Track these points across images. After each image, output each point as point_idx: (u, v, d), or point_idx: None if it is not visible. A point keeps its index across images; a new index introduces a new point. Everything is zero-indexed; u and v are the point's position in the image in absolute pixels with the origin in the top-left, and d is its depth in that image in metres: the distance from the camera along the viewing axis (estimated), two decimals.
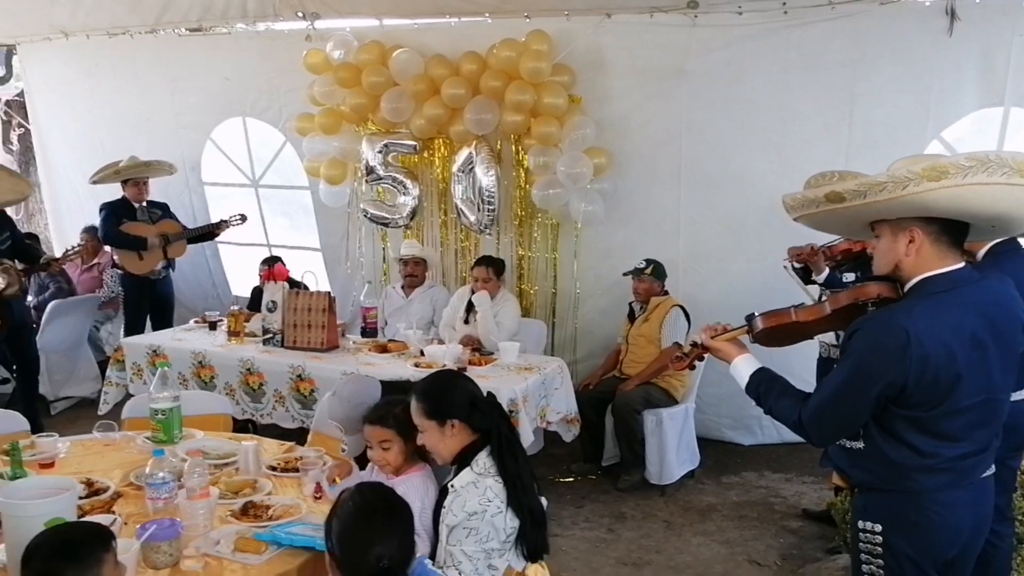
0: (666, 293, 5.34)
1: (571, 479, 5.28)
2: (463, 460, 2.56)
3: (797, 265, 4.53)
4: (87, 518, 2.48)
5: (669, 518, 4.81)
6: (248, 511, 2.71)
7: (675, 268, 5.51)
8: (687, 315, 5.19)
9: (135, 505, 2.77)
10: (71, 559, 1.89)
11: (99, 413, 5.41)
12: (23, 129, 9.29)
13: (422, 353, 4.94)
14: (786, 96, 5.23)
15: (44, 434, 3.26)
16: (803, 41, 5.10)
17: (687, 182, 5.52)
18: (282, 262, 5.87)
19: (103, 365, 6.86)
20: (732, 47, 5.22)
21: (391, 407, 2.74)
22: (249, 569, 2.37)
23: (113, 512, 2.65)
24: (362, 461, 2.99)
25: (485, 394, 2.64)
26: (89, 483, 2.84)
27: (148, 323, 6.70)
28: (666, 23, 5.24)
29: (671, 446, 5.05)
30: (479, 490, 2.44)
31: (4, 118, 9.27)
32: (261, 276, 5.86)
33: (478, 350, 5.05)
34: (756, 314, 2.41)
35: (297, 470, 3.04)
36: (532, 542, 2.53)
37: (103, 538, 2.00)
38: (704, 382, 5.36)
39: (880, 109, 5.12)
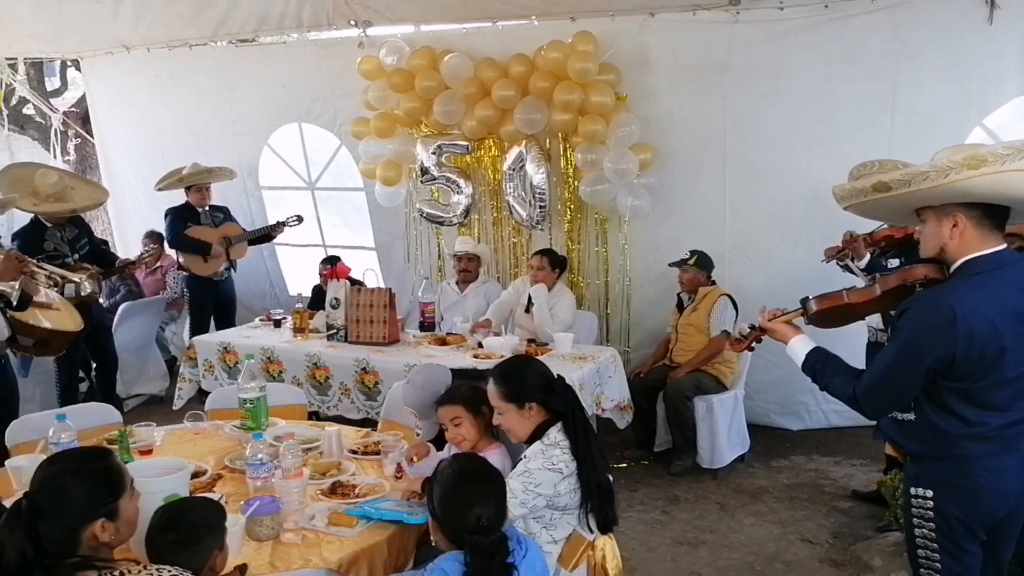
0: (713, 283, 5.49)
1: (624, 465, 5.46)
2: (535, 436, 2.77)
3: (838, 263, 4.64)
4: None
5: (722, 500, 4.97)
6: (336, 490, 2.95)
7: (721, 258, 5.65)
8: (735, 304, 5.34)
9: (232, 486, 3.02)
10: (210, 527, 2.12)
11: (174, 408, 5.74)
12: (79, 139, 9.65)
13: (480, 345, 5.15)
14: (828, 88, 5.34)
15: (142, 424, 3.52)
16: (844, 34, 5.22)
17: (732, 175, 5.67)
18: (342, 262, 6.13)
19: (169, 364, 7.21)
20: (774, 42, 5.35)
21: (457, 388, 2.97)
22: (344, 541, 2.60)
23: (214, 492, 2.90)
24: (437, 443, 3.20)
25: (556, 376, 2.83)
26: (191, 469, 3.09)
27: (212, 322, 7.00)
28: (708, 20, 5.39)
29: (722, 431, 5.21)
30: (546, 456, 2.65)
31: (61, 128, 9.61)
32: (322, 275, 6.12)
33: (533, 341, 5.25)
34: (810, 297, 2.58)
35: (377, 453, 3.28)
36: (602, 515, 2.73)
37: (222, 510, 2.24)
38: (752, 369, 5.50)
39: (922, 98, 5.22)
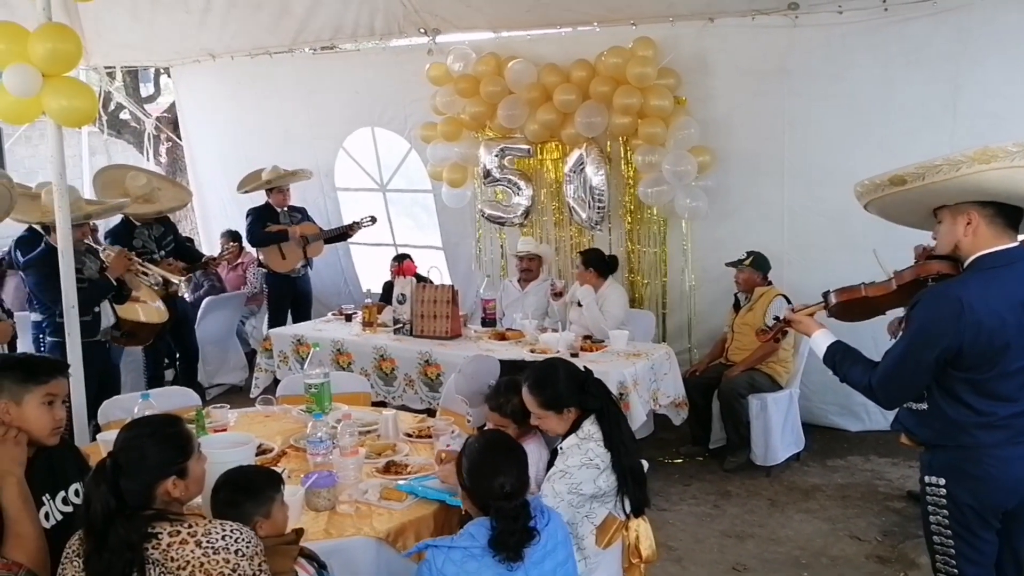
0: (769, 283, 5.56)
1: (679, 460, 5.57)
2: (570, 428, 2.94)
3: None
4: None
5: (773, 496, 5.05)
6: (390, 469, 3.18)
7: (779, 260, 5.72)
8: (790, 304, 5.39)
9: (296, 462, 3.28)
10: (250, 494, 2.36)
11: (251, 396, 6.07)
12: (171, 142, 10.18)
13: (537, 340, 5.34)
14: (888, 91, 5.35)
15: (217, 405, 3.82)
16: (904, 36, 5.22)
17: (790, 176, 5.73)
18: (410, 259, 6.40)
19: (248, 356, 7.59)
20: (833, 45, 5.39)
21: (510, 396, 3.05)
22: (393, 514, 2.82)
23: (278, 467, 3.17)
24: None
25: (583, 369, 2.99)
26: (257, 445, 3.36)
27: (289, 316, 7.36)
28: (767, 24, 5.47)
29: (776, 429, 5.28)
30: (582, 451, 2.81)
31: (154, 132, 10.14)
32: (392, 272, 6.40)
33: (589, 337, 5.41)
34: (831, 290, 2.71)
35: (430, 436, 3.51)
36: (634, 498, 2.89)
37: (274, 481, 2.47)
38: (810, 369, 5.54)
39: (985, 101, 5.18)
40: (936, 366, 2.42)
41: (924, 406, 2.51)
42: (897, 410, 2.66)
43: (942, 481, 2.49)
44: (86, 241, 5.33)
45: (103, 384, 5.00)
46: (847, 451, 5.71)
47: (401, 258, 6.51)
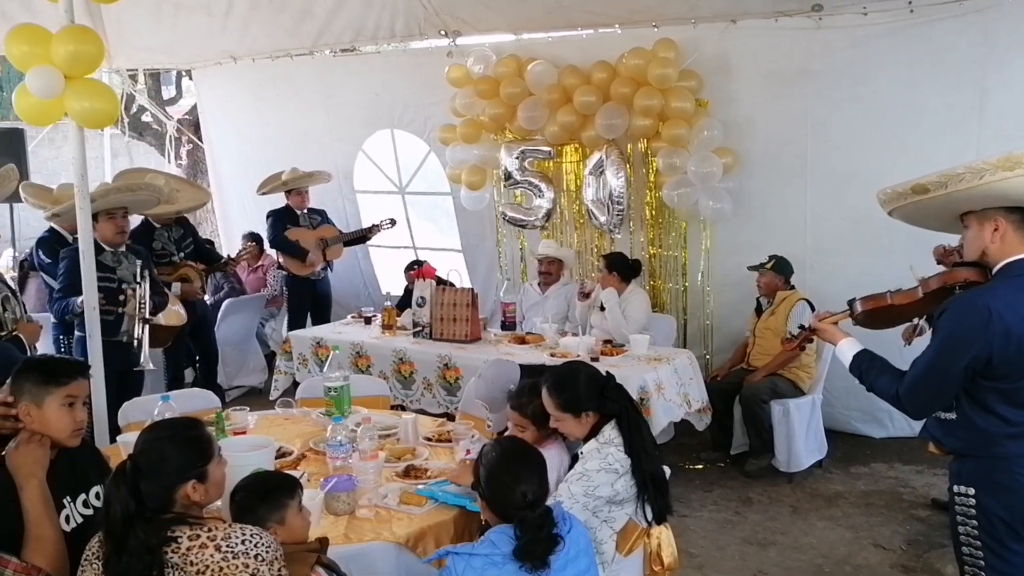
0: (791, 288, 5.51)
1: (701, 466, 5.53)
2: (590, 433, 2.91)
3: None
4: None
5: (795, 503, 4.99)
6: (409, 473, 3.16)
7: (802, 263, 5.67)
8: (813, 308, 5.33)
9: (315, 466, 3.27)
10: (263, 499, 2.34)
11: (270, 399, 6.07)
12: (192, 144, 10.24)
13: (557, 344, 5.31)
14: (913, 93, 5.30)
15: (236, 408, 3.81)
16: (930, 38, 5.16)
17: (813, 179, 5.68)
18: (422, 265, 6.39)
19: (268, 358, 7.61)
20: (857, 47, 5.34)
21: (533, 398, 3.02)
22: (412, 518, 2.80)
23: (298, 470, 3.15)
24: None
25: (604, 373, 2.96)
26: (277, 448, 3.35)
27: (308, 319, 7.36)
28: (791, 26, 5.42)
29: (798, 435, 5.22)
30: (601, 455, 2.78)
31: (176, 135, 10.19)
32: (410, 275, 6.39)
33: (610, 342, 5.37)
34: (856, 298, 2.66)
35: (450, 440, 3.49)
36: (656, 505, 2.85)
37: (290, 486, 2.44)
38: (833, 375, 5.48)
39: (1012, 103, 5.12)
40: (965, 375, 2.38)
41: (953, 415, 2.47)
42: (925, 419, 2.61)
43: (972, 491, 2.44)
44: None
45: (124, 384, 5.01)
46: (870, 458, 5.64)
47: (414, 264, 6.50)
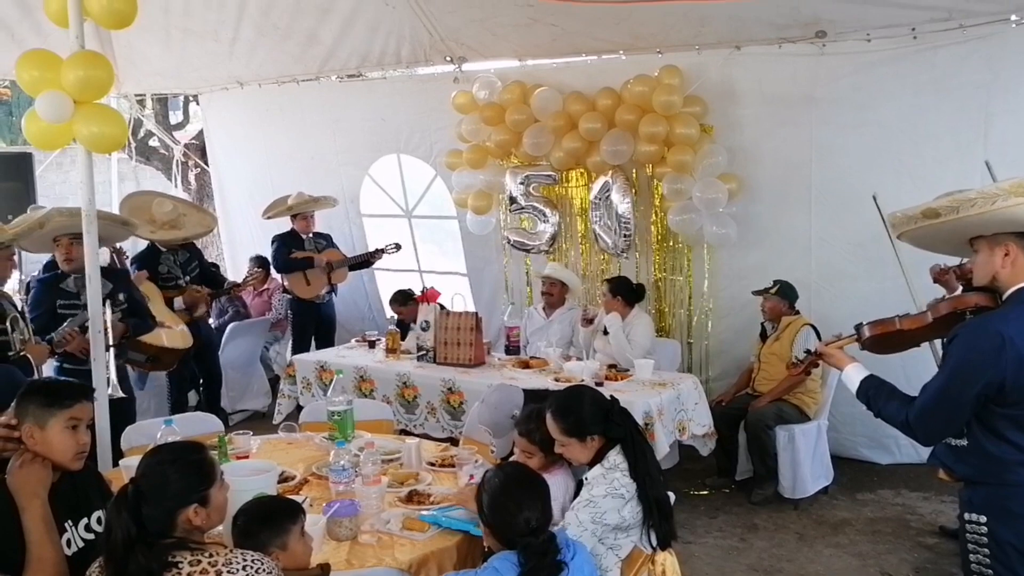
0: (796, 313, 5.50)
1: (705, 492, 5.48)
2: (595, 458, 2.89)
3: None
4: None
5: (801, 530, 4.95)
6: (412, 498, 3.15)
7: (807, 288, 5.66)
8: (818, 334, 5.32)
9: (318, 491, 3.25)
10: (265, 524, 2.33)
11: (274, 423, 6.05)
12: (199, 169, 10.29)
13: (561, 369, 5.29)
14: (917, 118, 5.31)
15: (239, 432, 3.80)
16: (934, 64, 5.18)
17: (818, 204, 5.69)
18: (415, 298, 6.39)
19: (272, 382, 7.60)
20: (861, 73, 5.36)
21: (541, 424, 2.99)
22: (415, 544, 2.78)
23: (300, 495, 3.14)
24: None
25: (609, 397, 2.95)
26: (279, 473, 3.33)
27: (313, 343, 7.36)
28: (794, 53, 5.45)
29: (804, 461, 5.19)
30: (607, 481, 2.76)
31: (183, 159, 10.25)
32: (418, 298, 6.38)
33: (614, 366, 5.36)
34: (864, 323, 2.65)
35: (453, 465, 3.47)
36: (661, 531, 2.82)
37: (293, 512, 2.43)
38: (839, 400, 5.45)
39: (1017, 128, 5.12)
40: (977, 402, 2.36)
41: (964, 442, 2.44)
42: (934, 445, 2.59)
43: (983, 519, 2.42)
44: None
45: (115, 412, 4.96)
46: (877, 484, 5.60)
47: (407, 298, 6.50)
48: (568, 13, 5.59)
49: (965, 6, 4.78)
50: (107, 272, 4.88)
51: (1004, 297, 2.40)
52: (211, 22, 6.67)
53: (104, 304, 4.24)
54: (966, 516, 2.48)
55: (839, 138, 5.52)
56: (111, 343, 4.35)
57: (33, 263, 8.19)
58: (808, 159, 5.63)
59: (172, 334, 5.37)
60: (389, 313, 7.93)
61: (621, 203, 6.08)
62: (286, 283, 7.39)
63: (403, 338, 6.08)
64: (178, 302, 5.96)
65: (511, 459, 3.12)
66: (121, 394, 4.58)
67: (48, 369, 5.09)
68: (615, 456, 2.82)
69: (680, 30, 5.62)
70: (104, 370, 4.09)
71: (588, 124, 6.01)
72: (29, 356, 4.15)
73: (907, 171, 5.35)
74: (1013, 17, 4.82)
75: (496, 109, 6.40)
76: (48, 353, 4.36)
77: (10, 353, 4.09)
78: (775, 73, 5.58)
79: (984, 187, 2.28)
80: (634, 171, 6.21)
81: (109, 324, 4.33)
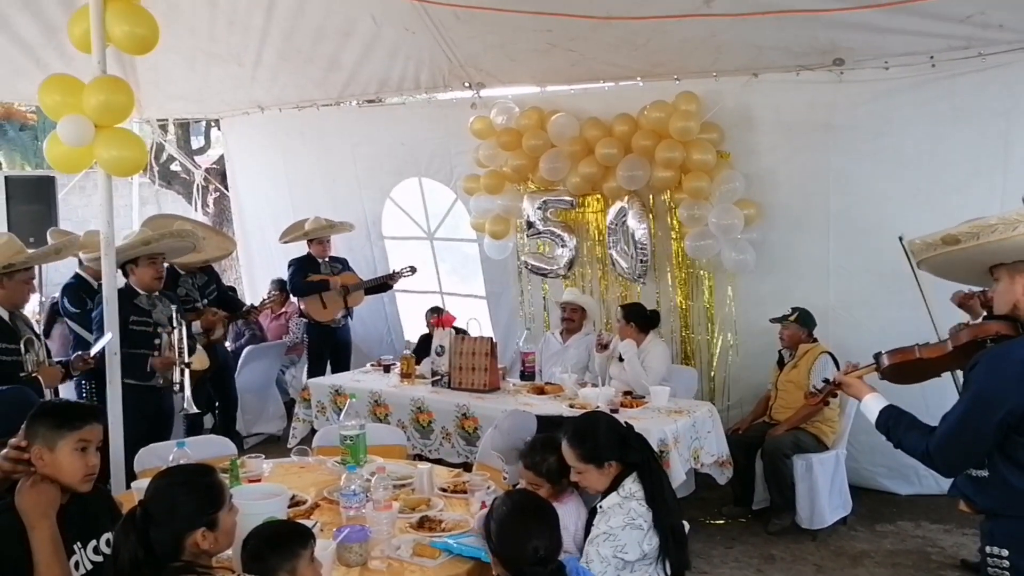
0: (814, 340, 5.45)
1: (722, 521, 5.42)
2: (610, 487, 2.86)
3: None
4: None
5: (819, 562, 4.87)
6: (424, 524, 3.12)
7: (825, 316, 5.61)
8: (836, 362, 5.27)
9: (329, 515, 3.23)
10: (274, 549, 2.31)
11: (288, 446, 6.05)
12: (218, 193, 10.39)
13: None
14: (936, 146, 5.27)
15: (252, 455, 3.80)
16: (953, 92, 5.15)
17: (836, 231, 5.65)
18: (444, 312, 6.40)
19: (288, 406, 7.60)
20: (879, 101, 5.34)
21: (546, 455, 2.98)
22: (426, 571, 2.76)
23: (311, 519, 3.12)
24: None
25: (624, 424, 2.92)
26: (290, 497, 3.32)
27: (328, 366, 7.37)
28: (812, 80, 5.43)
29: (822, 491, 5.12)
30: (624, 510, 2.73)
31: (203, 183, 10.36)
32: (429, 323, 6.40)
33: (630, 393, 5.32)
34: (883, 352, 2.62)
35: (465, 491, 3.45)
36: (675, 560, 2.79)
37: (303, 537, 2.41)
38: (857, 430, 5.39)
39: None
40: (998, 431, 2.32)
41: (985, 473, 2.40)
42: (955, 476, 2.55)
43: (1005, 552, 2.36)
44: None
45: (152, 430, 5.00)
46: (897, 515, 5.51)
47: (437, 311, 6.51)
48: (586, 39, 5.62)
49: (984, 34, 4.76)
50: (163, 292, 5.17)
51: None
52: (235, 46, 6.75)
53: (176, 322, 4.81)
54: (988, 549, 2.43)
55: (857, 166, 5.49)
56: (186, 360, 4.75)
57: (55, 285, 8.28)
58: (826, 187, 5.60)
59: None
60: (408, 335, 7.95)
61: (638, 228, 6.07)
62: (303, 307, 7.42)
63: (427, 354, 6.07)
64: (196, 325, 5.99)
65: (519, 486, 3.10)
66: (196, 410, 4.85)
67: (67, 390, 5.15)
68: (631, 484, 2.80)
69: (698, 57, 5.62)
70: (118, 390, 4.10)
71: (605, 150, 6.02)
72: (40, 378, 4.19)
73: (926, 199, 5.31)
74: None
75: (513, 134, 6.42)
76: (62, 376, 4.41)
77: (22, 374, 4.13)
78: (793, 100, 5.57)
79: (1005, 214, 2.26)
80: (651, 197, 6.21)
81: (183, 342, 4.80)
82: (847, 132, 5.47)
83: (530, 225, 6.57)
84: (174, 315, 4.96)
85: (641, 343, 5.56)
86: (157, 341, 4.83)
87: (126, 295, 4.79)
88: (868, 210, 5.48)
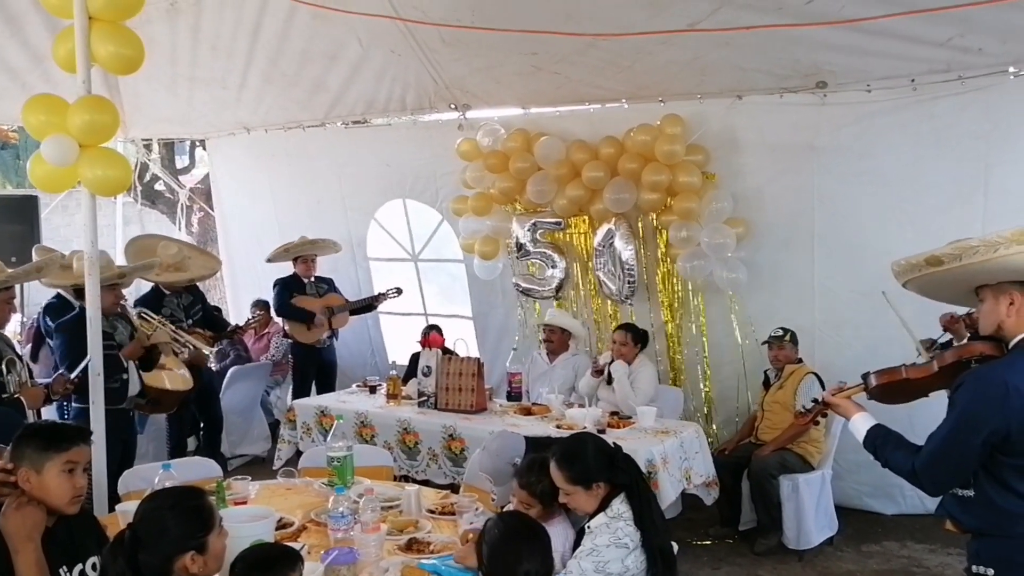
0: (799, 361, 5.47)
1: (708, 542, 5.41)
2: (599, 507, 2.85)
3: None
4: None
5: None
6: (412, 546, 3.10)
7: (810, 336, 5.65)
8: (821, 382, 5.29)
9: (316, 538, 3.21)
10: (263, 572, 2.29)
11: (274, 468, 6.00)
12: (203, 212, 10.36)
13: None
14: (918, 168, 5.32)
15: (238, 477, 3.77)
16: (933, 115, 5.20)
17: (820, 252, 5.69)
18: (439, 330, 6.38)
19: (272, 427, 7.55)
20: (862, 123, 5.39)
21: (542, 476, 2.94)
22: None
23: (298, 542, 3.09)
24: None
25: (613, 445, 2.92)
26: (277, 519, 3.29)
27: (314, 387, 7.33)
28: (796, 102, 5.48)
29: (808, 511, 5.12)
30: (611, 530, 2.72)
31: (187, 203, 10.33)
32: (421, 342, 6.37)
33: (616, 413, 5.32)
34: (871, 372, 2.64)
35: (453, 513, 3.43)
36: None
37: (291, 560, 2.39)
38: (843, 448, 5.40)
39: (1016, 178, 5.12)
40: (983, 450, 2.34)
41: (971, 493, 2.42)
42: (941, 496, 2.56)
43: (991, 572, 2.38)
44: (122, 303, 5.33)
45: (126, 454, 4.98)
46: (882, 536, 5.52)
47: (430, 329, 6.50)
48: (571, 62, 5.66)
49: (964, 58, 4.83)
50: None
51: (1010, 346, 2.40)
52: (218, 70, 6.76)
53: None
54: (973, 569, 2.45)
55: (841, 186, 5.54)
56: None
57: (35, 305, 8.20)
58: (810, 207, 5.65)
59: (173, 376, 5.36)
60: (392, 358, 7.92)
61: (625, 250, 6.10)
62: (287, 327, 7.38)
63: (413, 374, 6.04)
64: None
65: (509, 507, 3.08)
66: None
67: (49, 411, 5.10)
68: (619, 505, 2.79)
69: (682, 79, 5.67)
70: (102, 411, 4.07)
71: (591, 172, 6.05)
72: (23, 399, 4.14)
73: (908, 220, 5.36)
74: (1011, 69, 4.86)
75: (500, 157, 6.45)
76: (44, 398, 4.36)
77: (4, 395, 4.08)
78: (777, 122, 5.62)
79: (986, 235, 2.29)
80: (638, 219, 6.23)
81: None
82: (831, 153, 5.52)
83: (520, 247, 6.58)
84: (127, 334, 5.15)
85: (632, 363, 5.56)
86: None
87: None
88: (852, 231, 5.53)
